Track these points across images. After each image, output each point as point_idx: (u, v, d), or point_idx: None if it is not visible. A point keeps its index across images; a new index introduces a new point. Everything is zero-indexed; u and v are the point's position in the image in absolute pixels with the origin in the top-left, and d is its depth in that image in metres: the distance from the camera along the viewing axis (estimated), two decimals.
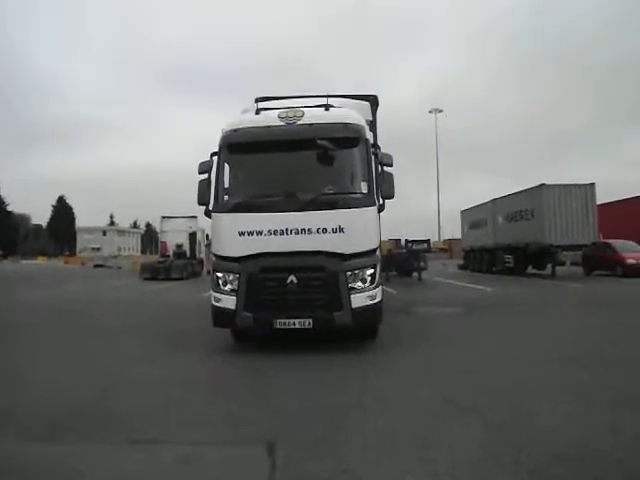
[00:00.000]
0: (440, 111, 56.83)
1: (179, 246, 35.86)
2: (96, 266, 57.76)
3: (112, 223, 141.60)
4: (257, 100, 10.06)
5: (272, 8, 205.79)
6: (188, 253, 36.02)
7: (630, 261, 25.37)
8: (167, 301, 18.03)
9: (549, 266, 28.23)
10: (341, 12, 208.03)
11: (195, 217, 36.82)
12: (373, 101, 11.38)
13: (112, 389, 6.54)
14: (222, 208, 8.61)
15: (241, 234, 8.23)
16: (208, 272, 38.71)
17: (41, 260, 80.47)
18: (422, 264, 27.38)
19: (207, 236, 45.19)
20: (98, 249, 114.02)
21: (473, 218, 36.71)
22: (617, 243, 26.98)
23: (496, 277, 28.40)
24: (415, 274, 27.54)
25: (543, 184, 26.14)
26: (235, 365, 7.85)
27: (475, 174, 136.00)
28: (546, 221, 25.68)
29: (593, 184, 26.16)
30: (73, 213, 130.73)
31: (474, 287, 21.43)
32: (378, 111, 11.77)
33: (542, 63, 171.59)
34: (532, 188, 27.23)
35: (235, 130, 8.72)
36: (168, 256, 35.64)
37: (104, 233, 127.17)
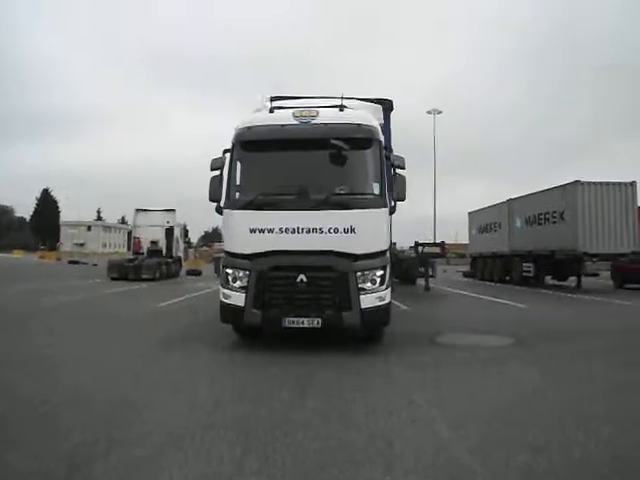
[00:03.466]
0: (439, 112, 53.52)
1: (154, 242, 31.97)
2: (71, 262, 54.47)
3: (99, 218, 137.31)
4: (272, 99, 10.08)
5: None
6: (164, 251, 31.91)
7: None
8: (108, 312, 14.00)
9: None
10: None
11: (173, 210, 33.20)
12: (388, 106, 11.18)
13: None
14: (234, 205, 8.70)
15: (252, 231, 8.30)
16: (187, 273, 35.42)
17: (17, 254, 76.66)
18: (430, 271, 23.43)
19: (186, 232, 42.01)
20: (82, 244, 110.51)
21: (483, 221, 32.83)
22: None
23: (513, 288, 24.50)
24: (420, 282, 23.69)
25: (577, 181, 22.23)
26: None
27: (471, 178, 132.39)
28: (580, 225, 21.79)
29: (634, 182, 22.38)
30: (58, 207, 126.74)
31: (500, 302, 17.54)
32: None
33: (547, 62, 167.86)
34: (563, 186, 23.30)
35: (249, 127, 8.78)
36: (142, 253, 31.56)
37: (89, 228, 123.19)
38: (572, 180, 22.57)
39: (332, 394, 6.06)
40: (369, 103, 10.44)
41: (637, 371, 7.31)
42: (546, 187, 25.51)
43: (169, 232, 32.48)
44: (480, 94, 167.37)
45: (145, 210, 33.18)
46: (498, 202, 30.76)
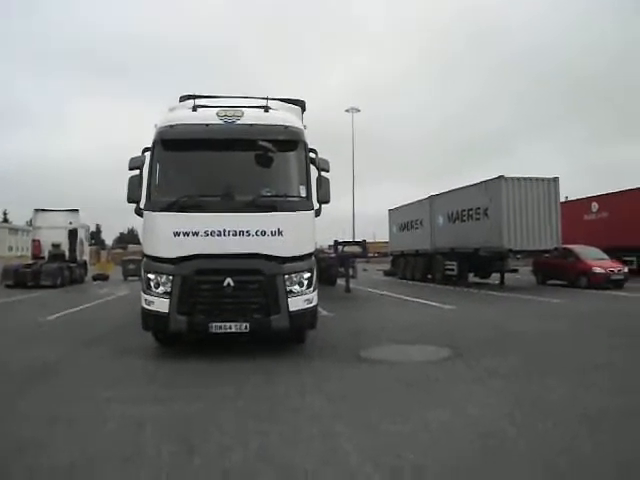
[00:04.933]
0: (357, 110, 52.95)
1: (56, 246, 29.30)
2: None
3: (5, 220, 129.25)
4: (182, 98, 9.84)
5: None
6: (67, 254, 29.29)
7: (597, 270, 21.33)
8: None
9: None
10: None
11: (77, 211, 30.61)
12: (302, 106, 10.71)
13: None
14: (155, 207, 8.28)
15: (176, 234, 7.99)
16: (94, 278, 32.93)
17: None
18: (351, 272, 22.20)
19: (92, 235, 39.21)
20: None
21: (404, 218, 32.03)
22: (578, 249, 22.96)
23: (437, 287, 23.75)
24: (340, 283, 22.57)
25: (501, 176, 21.55)
26: None
27: (387, 176, 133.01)
28: (504, 221, 21.11)
29: (557, 179, 21.98)
30: None
31: (427, 303, 16.42)
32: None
33: (463, 64, 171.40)
34: (486, 181, 22.61)
35: (172, 126, 8.47)
36: (42, 257, 28.86)
37: None
38: (495, 175, 21.91)
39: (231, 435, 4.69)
40: (290, 105, 9.93)
41: (606, 393, 6.14)
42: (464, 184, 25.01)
43: (72, 234, 29.88)
44: (390, 93, 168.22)
45: (45, 210, 30.35)
46: (419, 199, 29.99)
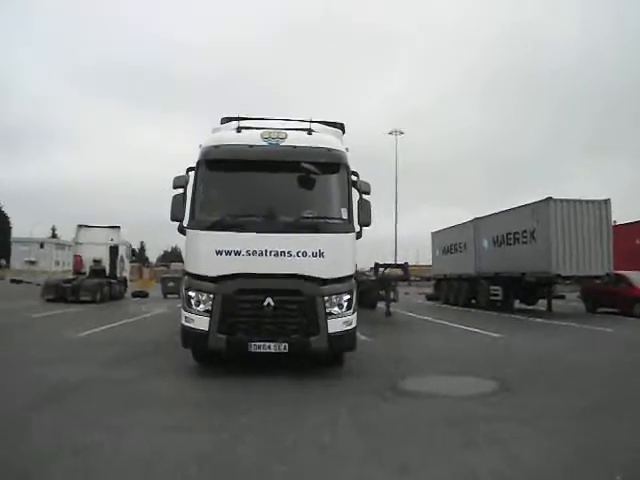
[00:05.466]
0: (401, 133, 52.50)
1: (97, 261, 29.36)
2: (13, 281, 51.51)
3: (54, 236, 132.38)
4: (224, 120, 9.76)
5: (227, 15, 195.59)
6: (108, 271, 29.38)
7: None
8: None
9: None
10: (303, 24, 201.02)
11: (118, 227, 30.75)
12: (341, 128, 10.45)
13: None
14: (198, 225, 8.36)
15: (218, 253, 8.03)
16: (133, 294, 32.95)
17: None
18: (392, 295, 21.48)
19: (133, 251, 39.33)
20: (33, 262, 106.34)
21: (448, 241, 31.14)
22: (632, 275, 21.72)
23: (481, 313, 22.76)
24: (381, 306, 21.80)
25: (549, 198, 20.63)
26: None
27: (427, 199, 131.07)
28: (553, 245, 20.15)
29: (608, 200, 20.95)
30: (9, 223, 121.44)
31: (471, 330, 15.61)
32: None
33: (502, 86, 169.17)
34: (534, 203, 21.70)
35: (216, 146, 8.58)
36: (84, 273, 29.00)
37: (42, 245, 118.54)
38: (543, 197, 21.03)
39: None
40: (332, 128, 9.84)
41: None
42: (507, 207, 24.18)
43: (113, 250, 29.95)
44: (431, 114, 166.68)
45: (87, 226, 30.58)
46: (463, 221, 29.18)
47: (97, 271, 28.74)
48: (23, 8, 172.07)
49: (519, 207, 23.12)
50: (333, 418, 5.97)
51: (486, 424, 5.81)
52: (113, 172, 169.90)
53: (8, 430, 5.43)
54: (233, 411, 6.26)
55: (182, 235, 8.64)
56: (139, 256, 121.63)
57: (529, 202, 22.25)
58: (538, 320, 19.46)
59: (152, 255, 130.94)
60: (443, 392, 7.46)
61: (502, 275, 23.77)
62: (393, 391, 7.45)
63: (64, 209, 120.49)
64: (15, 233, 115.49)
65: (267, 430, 5.49)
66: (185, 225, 8.54)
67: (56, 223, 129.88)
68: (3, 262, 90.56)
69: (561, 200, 20.71)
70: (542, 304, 24.10)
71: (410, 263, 25.93)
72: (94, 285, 26.68)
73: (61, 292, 26.00)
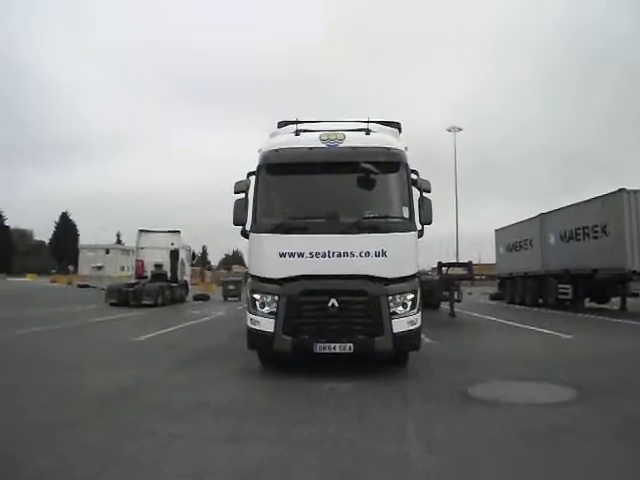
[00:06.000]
0: (459, 129, 51.18)
1: (158, 266, 29.81)
2: (80, 286, 53.12)
3: (119, 242, 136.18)
4: (280, 124, 9.79)
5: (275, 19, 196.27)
6: (169, 275, 29.68)
7: None
8: (60, 350, 11.60)
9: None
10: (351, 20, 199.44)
11: (178, 232, 31.12)
12: (398, 127, 10.17)
13: None
14: (261, 229, 8.47)
15: (282, 255, 8.13)
16: (194, 298, 33.22)
17: (30, 278, 75.54)
18: (456, 295, 20.75)
19: (193, 255, 39.77)
20: (100, 268, 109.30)
21: (512, 238, 30.08)
22: None
23: (550, 313, 21.72)
24: (444, 307, 21.22)
25: (622, 189, 19.46)
26: None
27: (489, 197, 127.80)
28: (627, 240, 18.99)
29: None
30: (77, 230, 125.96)
31: (541, 332, 14.79)
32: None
33: (565, 79, 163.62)
34: (605, 196, 20.58)
35: (276, 150, 8.66)
36: (146, 277, 29.42)
37: (107, 251, 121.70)
38: (615, 189, 19.88)
39: None
40: (389, 127, 9.69)
41: None
42: (573, 202, 23.09)
43: (174, 254, 30.22)
44: (496, 112, 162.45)
45: (148, 231, 31.13)
46: (528, 217, 28.08)
47: (158, 275, 29.17)
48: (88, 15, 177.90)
49: (588, 200, 21.98)
50: (399, 430, 5.50)
51: (569, 438, 5.22)
52: (176, 178, 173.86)
53: (56, 437, 5.22)
54: (293, 420, 5.88)
55: (245, 239, 8.71)
56: (201, 260, 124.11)
57: (600, 195, 21.09)
58: (612, 320, 18.36)
59: (214, 259, 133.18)
60: (516, 400, 6.84)
61: (571, 272, 22.62)
62: (462, 398, 6.92)
63: (128, 215, 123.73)
64: (82, 240, 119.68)
65: (327, 443, 5.07)
66: (248, 229, 8.62)
67: (121, 229, 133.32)
68: (71, 268, 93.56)
69: (635, 191, 19.49)
70: (615, 302, 22.87)
71: (473, 262, 25.07)
72: (155, 289, 26.97)
73: (124, 296, 26.32)
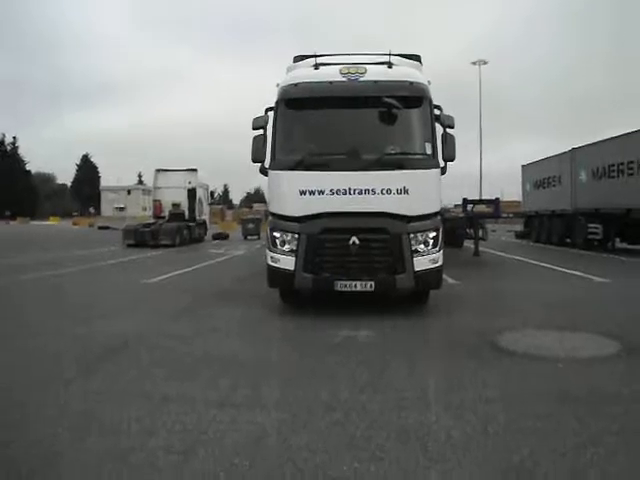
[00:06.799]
0: (485, 62, 49.22)
1: (176, 205, 29.34)
2: (101, 228, 53.31)
3: (140, 182, 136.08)
4: (296, 59, 9.43)
5: None
6: (187, 214, 29.16)
7: None
8: (64, 296, 11.07)
9: None
10: None
11: (195, 170, 30.43)
12: (418, 60, 9.68)
13: None
14: (281, 166, 8.31)
15: (302, 193, 8.01)
16: (213, 237, 32.78)
17: (53, 221, 76.23)
18: (481, 233, 19.87)
19: (211, 194, 39.17)
20: (122, 209, 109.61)
21: (540, 175, 28.70)
22: None
23: (580, 254, 20.78)
24: (468, 245, 20.47)
25: None
26: None
27: (516, 134, 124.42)
28: None
29: None
30: (98, 172, 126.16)
31: (572, 273, 13.92)
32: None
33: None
34: None
35: (296, 84, 8.40)
36: (163, 217, 28.96)
37: (129, 192, 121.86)
38: None
39: None
40: (411, 61, 9.17)
41: None
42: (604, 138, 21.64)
43: (191, 193, 29.64)
44: (510, 49, 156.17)
45: (165, 170, 30.50)
46: (558, 153, 26.73)
47: (176, 215, 28.64)
48: None
49: (625, 134, 20.44)
50: (422, 391, 4.87)
51: (621, 403, 4.49)
52: (199, 116, 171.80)
53: (33, 401, 4.64)
54: (300, 381, 5.26)
55: (264, 176, 8.56)
56: (223, 198, 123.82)
57: (636, 129, 19.72)
58: None
59: (236, 197, 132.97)
60: (552, 353, 6.10)
61: (602, 211, 21.51)
62: (492, 350, 6.26)
63: (150, 156, 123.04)
64: (103, 182, 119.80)
65: (337, 411, 4.39)
66: (267, 166, 8.46)
67: (142, 169, 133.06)
68: (92, 210, 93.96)
69: None
70: None
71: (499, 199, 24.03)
72: (173, 229, 26.47)
73: (140, 237, 25.92)
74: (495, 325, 7.48)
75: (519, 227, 32.92)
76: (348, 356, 5.97)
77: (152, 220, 29.31)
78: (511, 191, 43.19)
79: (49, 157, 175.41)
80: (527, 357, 5.96)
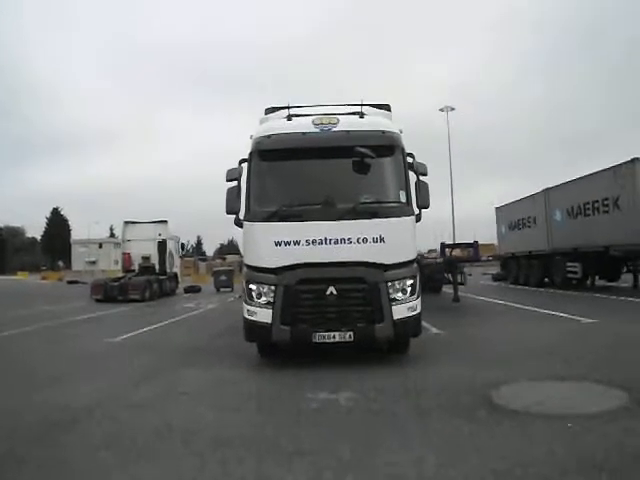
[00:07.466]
0: (452, 109, 50.15)
1: (146, 258, 28.43)
2: (70, 282, 51.85)
3: (112, 235, 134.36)
4: (267, 111, 9.51)
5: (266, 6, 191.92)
6: (157, 267, 28.29)
7: None
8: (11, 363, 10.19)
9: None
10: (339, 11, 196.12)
11: (165, 222, 29.68)
12: (387, 109, 9.68)
13: None
14: (255, 217, 8.26)
15: (277, 244, 7.92)
16: (185, 290, 31.78)
17: (21, 275, 74.06)
18: (460, 278, 19.40)
19: (182, 246, 38.21)
20: (93, 262, 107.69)
21: (515, 216, 28.66)
22: None
23: (559, 294, 20.49)
24: (446, 291, 19.96)
25: (636, 158, 17.95)
26: None
27: (487, 177, 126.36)
28: None
29: None
30: (68, 225, 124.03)
31: (559, 315, 13.42)
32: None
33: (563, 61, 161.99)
34: (617, 166, 19.02)
35: (269, 136, 8.43)
36: (133, 271, 28.03)
37: (100, 245, 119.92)
38: (628, 159, 18.42)
39: None
40: (382, 110, 9.45)
41: None
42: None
43: (161, 245, 28.85)
44: (493, 95, 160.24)
45: (134, 222, 29.63)
46: (532, 193, 26.64)
47: (146, 268, 27.79)
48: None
49: (598, 172, 20.40)
50: (417, 466, 4.17)
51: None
52: (168, 170, 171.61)
53: None
54: (276, 457, 4.54)
55: (239, 228, 8.47)
56: (196, 251, 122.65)
57: (610, 166, 19.63)
58: (629, 299, 17.07)
59: (209, 249, 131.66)
60: (557, 409, 5.49)
61: (581, 250, 21.27)
62: (489, 409, 5.60)
63: (121, 209, 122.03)
64: (74, 235, 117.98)
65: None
66: (241, 218, 8.39)
67: (114, 223, 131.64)
68: (61, 264, 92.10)
69: None
70: (624, 280, 21.71)
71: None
72: (142, 282, 25.54)
73: (109, 291, 24.95)
74: (488, 378, 6.84)
75: (495, 270, 32.71)
76: (330, 426, 5.26)
77: (121, 274, 28.38)
78: (483, 234, 43.36)
79: (18, 210, 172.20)
80: (530, 416, 5.30)
